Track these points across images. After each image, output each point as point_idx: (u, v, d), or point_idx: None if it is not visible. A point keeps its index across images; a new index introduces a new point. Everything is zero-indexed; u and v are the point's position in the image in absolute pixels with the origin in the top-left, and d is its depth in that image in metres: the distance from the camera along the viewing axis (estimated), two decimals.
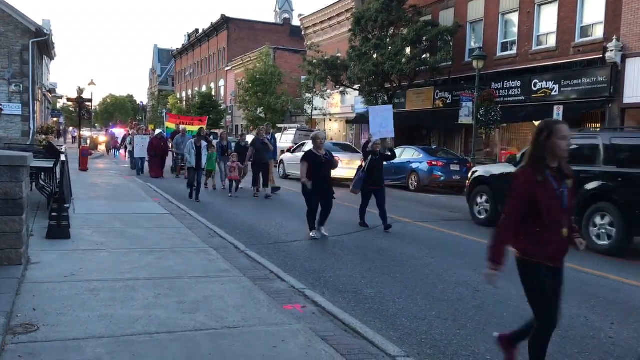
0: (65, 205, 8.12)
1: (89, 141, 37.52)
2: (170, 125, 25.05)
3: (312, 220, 9.42)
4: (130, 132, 29.48)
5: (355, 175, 11.08)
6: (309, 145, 19.59)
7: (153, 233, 8.59)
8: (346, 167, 17.63)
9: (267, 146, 15.60)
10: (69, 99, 39.79)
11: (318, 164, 9.33)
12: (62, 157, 9.56)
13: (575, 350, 4.75)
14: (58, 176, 9.18)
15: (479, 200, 12.10)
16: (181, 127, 21.93)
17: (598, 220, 9.31)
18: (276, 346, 4.25)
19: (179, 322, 4.65)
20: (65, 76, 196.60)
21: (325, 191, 9.44)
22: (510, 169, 10.98)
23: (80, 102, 36.13)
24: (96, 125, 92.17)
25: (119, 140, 35.79)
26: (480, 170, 12.74)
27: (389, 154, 11.22)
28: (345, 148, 22.48)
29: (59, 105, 75.29)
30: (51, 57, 44.01)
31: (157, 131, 24.41)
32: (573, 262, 8.21)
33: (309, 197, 9.40)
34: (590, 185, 9.44)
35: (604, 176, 9.35)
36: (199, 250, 7.56)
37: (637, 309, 6.01)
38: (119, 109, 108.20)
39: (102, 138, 46.94)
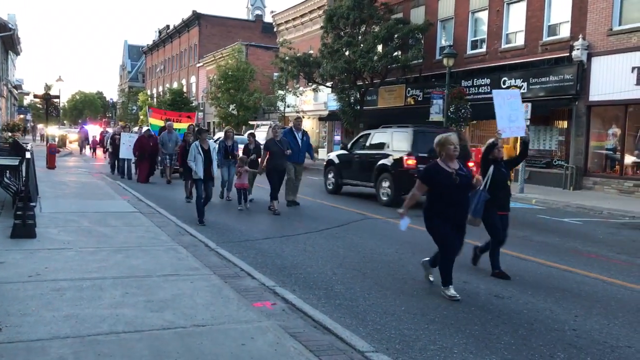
0: (31, 204, 7.96)
1: (56, 139, 36.23)
2: (155, 121, 21.53)
3: (450, 269, 6.14)
4: (112, 130, 26.17)
5: (473, 197, 6.74)
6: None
7: (121, 231, 8.47)
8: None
9: (286, 147, 12.18)
10: (35, 96, 38.96)
11: (449, 185, 5.96)
12: (28, 155, 9.37)
13: (540, 342, 4.85)
14: (23, 174, 8.99)
15: (329, 176, 16.62)
16: (167, 122, 19.23)
17: (383, 184, 14.16)
18: (245, 344, 4.24)
19: (146, 321, 4.60)
20: (32, 72, 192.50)
21: (459, 226, 6.18)
22: (344, 152, 16.44)
23: (47, 98, 35.41)
24: (64, 122, 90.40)
25: (97, 138, 32.65)
26: (330, 154, 17.59)
27: (518, 156, 8.10)
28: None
29: (25, 102, 73.69)
30: (17, 53, 43.07)
31: (144, 128, 20.41)
32: (540, 256, 8.39)
33: (444, 236, 6.07)
34: (380, 162, 14.34)
35: (387, 157, 14.28)
36: (168, 248, 7.49)
37: (600, 301, 6.16)
38: (88, 106, 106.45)
39: (73, 136, 44.46)
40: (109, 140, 21.91)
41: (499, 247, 7.23)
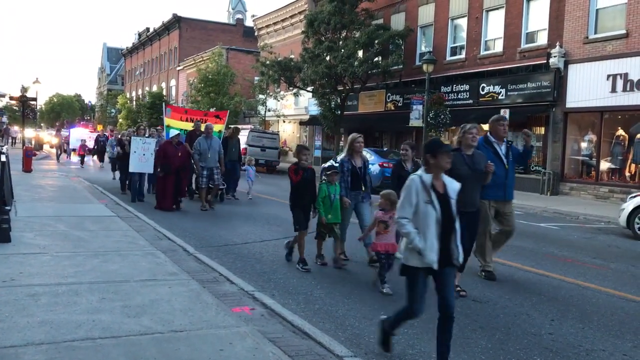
0: (6, 208, 7.84)
1: (33, 141, 35.07)
2: (174, 122, 15.77)
3: None
4: (114, 134, 21.74)
5: None
6: None
7: (99, 236, 8.37)
8: None
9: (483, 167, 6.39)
10: (12, 98, 38.14)
11: None
12: (2, 158, 9.22)
13: (517, 346, 4.90)
14: None
15: None
16: (205, 125, 14.09)
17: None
18: (223, 349, 4.21)
19: (123, 327, 4.55)
20: (8, 74, 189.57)
21: None
22: None
23: (24, 100, 34.77)
24: (42, 125, 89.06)
25: (87, 143, 27.65)
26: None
27: None
28: None
29: (1, 104, 72.47)
30: None
31: (173, 132, 14.45)
32: (517, 261, 8.49)
33: None
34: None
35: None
36: (146, 253, 7.41)
37: (575, 306, 6.25)
38: (65, 109, 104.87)
39: (53, 140, 36.92)
40: (115, 147, 16.82)
41: None
